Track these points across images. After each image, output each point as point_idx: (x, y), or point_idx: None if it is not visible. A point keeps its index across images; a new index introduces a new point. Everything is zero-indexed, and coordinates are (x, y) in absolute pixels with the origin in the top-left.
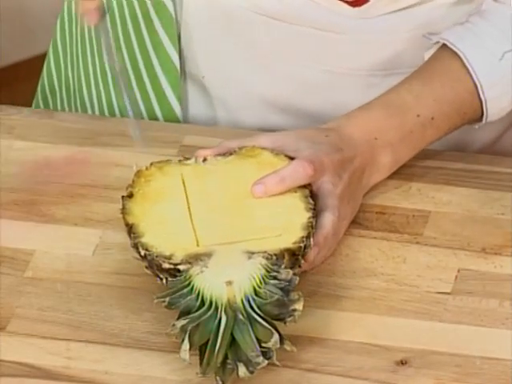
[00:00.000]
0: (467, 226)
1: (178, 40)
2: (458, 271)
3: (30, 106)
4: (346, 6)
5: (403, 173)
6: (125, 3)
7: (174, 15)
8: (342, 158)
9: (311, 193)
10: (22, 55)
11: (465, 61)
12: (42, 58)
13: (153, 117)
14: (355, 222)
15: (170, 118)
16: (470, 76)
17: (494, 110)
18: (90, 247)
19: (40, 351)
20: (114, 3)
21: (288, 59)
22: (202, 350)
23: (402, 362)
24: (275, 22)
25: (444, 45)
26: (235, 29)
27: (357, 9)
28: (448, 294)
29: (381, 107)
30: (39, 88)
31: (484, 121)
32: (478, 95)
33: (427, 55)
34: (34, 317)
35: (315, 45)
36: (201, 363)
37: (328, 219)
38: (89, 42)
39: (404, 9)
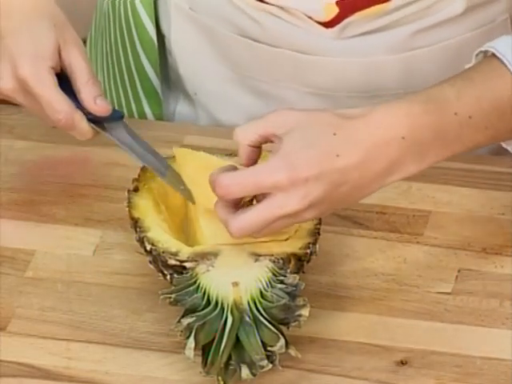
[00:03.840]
0: (467, 226)
1: (159, 64)
2: (459, 271)
3: None
4: (320, 27)
5: None
6: (116, 26)
7: (155, 40)
8: (322, 170)
9: None
10: None
11: (499, 55)
12: None
13: None
14: (355, 222)
15: (157, 110)
16: (509, 71)
17: None
18: (91, 247)
19: (40, 351)
20: (109, 25)
21: (271, 80)
22: (206, 350)
23: (402, 362)
24: (258, 45)
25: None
26: (221, 51)
27: (330, 30)
28: (448, 293)
29: (420, 102)
30: None
31: None
32: None
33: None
34: (35, 317)
35: (295, 66)
36: (204, 363)
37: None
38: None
39: (379, 30)
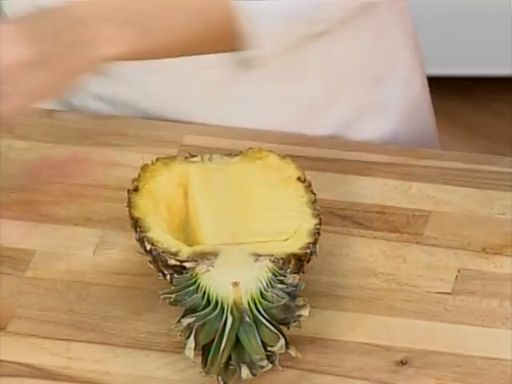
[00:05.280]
0: (467, 226)
1: None
2: (459, 271)
3: None
4: None
5: (403, 173)
6: None
7: None
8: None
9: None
10: None
11: None
12: None
13: None
14: (355, 222)
15: None
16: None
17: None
18: (91, 247)
19: (40, 351)
20: None
21: None
22: (206, 350)
23: (402, 362)
24: None
25: None
26: None
27: None
28: (448, 293)
29: None
30: None
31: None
32: None
33: None
34: (35, 317)
35: None
36: (204, 363)
37: None
38: None
39: None
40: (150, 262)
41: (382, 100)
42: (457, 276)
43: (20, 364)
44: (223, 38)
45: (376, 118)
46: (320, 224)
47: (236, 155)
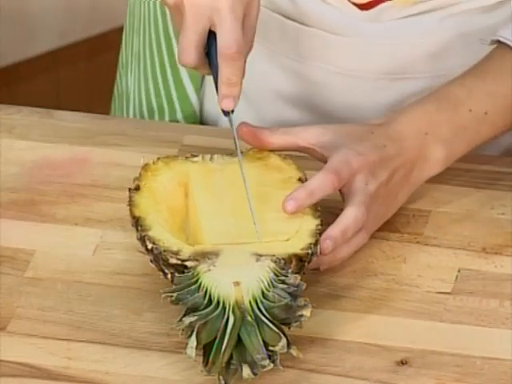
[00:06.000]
0: (467, 226)
1: None
2: (459, 271)
3: (30, 106)
4: (355, 8)
5: None
6: (151, 24)
7: None
8: (381, 156)
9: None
10: (21, 55)
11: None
12: (42, 58)
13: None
14: None
15: (188, 112)
16: None
17: None
18: (91, 247)
19: (40, 351)
20: (143, 24)
21: (299, 58)
22: (207, 349)
23: (402, 362)
24: (289, 22)
25: (499, 42)
26: None
27: (365, 12)
28: (448, 293)
29: (432, 101)
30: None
31: None
32: None
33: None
34: (35, 317)
35: (324, 46)
36: (206, 362)
37: (349, 213)
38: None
39: (415, 15)
40: (151, 261)
41: None
42: (457, 276)
43: (20, 364)
44: None
45: None
46: (321, 225)
47: (237, 155)
